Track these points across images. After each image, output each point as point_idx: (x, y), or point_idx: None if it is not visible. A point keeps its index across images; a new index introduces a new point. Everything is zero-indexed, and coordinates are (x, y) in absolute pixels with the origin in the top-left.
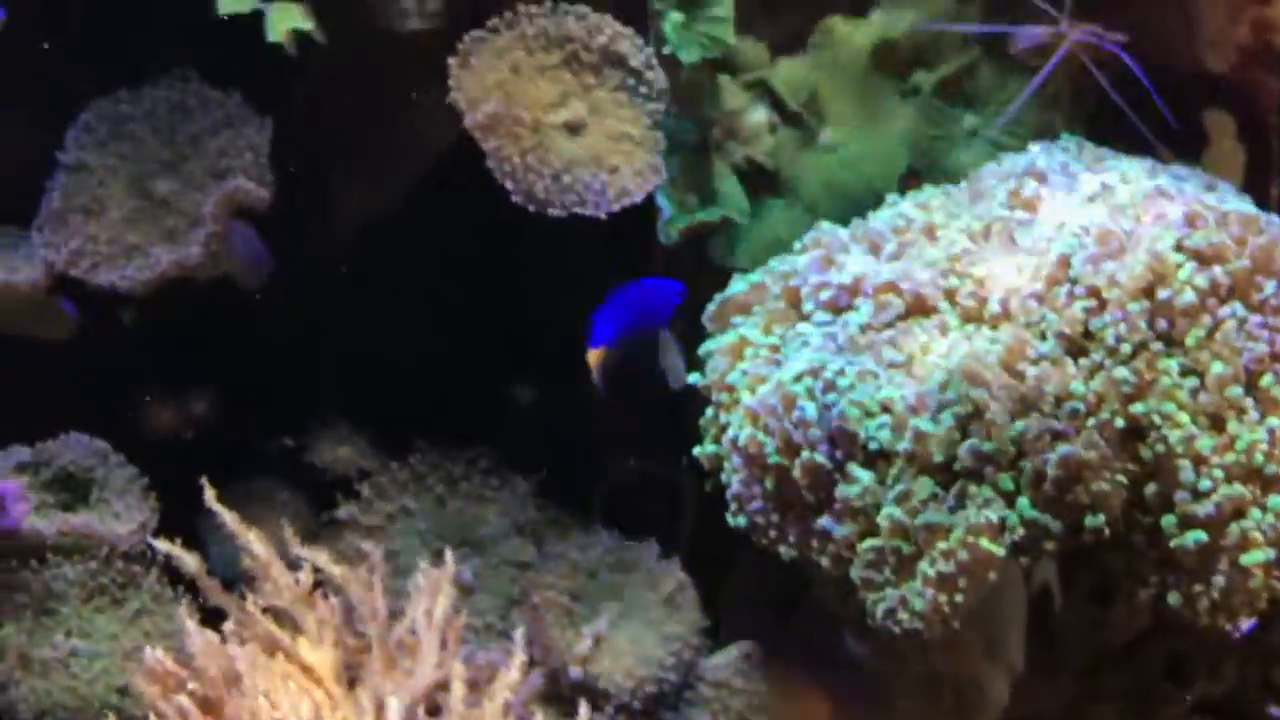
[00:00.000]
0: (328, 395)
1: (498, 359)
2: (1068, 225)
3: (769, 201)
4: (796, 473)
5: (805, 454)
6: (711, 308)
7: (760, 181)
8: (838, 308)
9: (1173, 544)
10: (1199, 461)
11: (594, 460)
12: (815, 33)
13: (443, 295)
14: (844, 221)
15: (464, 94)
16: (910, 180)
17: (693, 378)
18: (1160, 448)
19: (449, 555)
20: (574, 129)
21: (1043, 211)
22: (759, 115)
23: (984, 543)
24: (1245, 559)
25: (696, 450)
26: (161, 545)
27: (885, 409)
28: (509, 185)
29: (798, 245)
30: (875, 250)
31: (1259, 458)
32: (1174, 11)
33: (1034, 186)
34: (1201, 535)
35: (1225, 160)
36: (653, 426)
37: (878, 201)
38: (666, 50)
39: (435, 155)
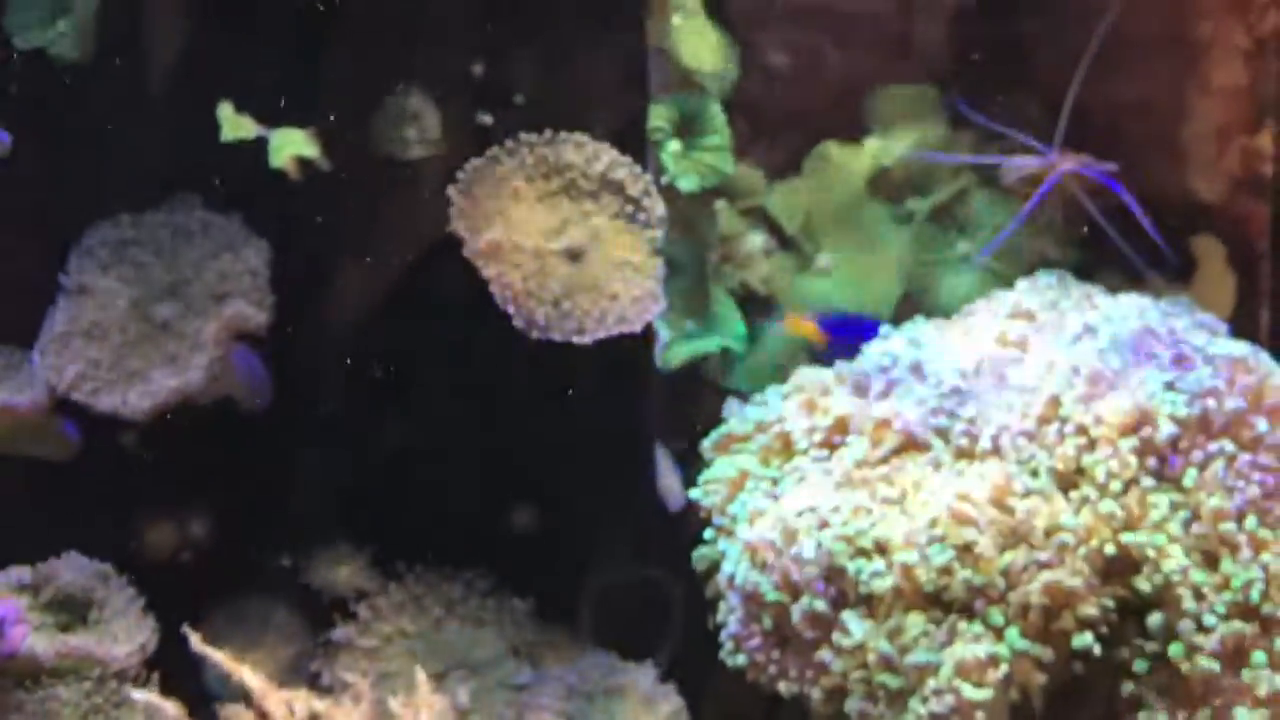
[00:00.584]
0: (326, 515)
1: (497, 480)
2: (1058, 365)
3: (765, 325)
4: (795, 617)
5: (805, 599)
6: (711, 441)
7: (757, 304)
8: (832, 444)
9: (1183, 670)
10: (1198, 595)
11: (587, 574)
12: (810, 158)
13: (442, 416)
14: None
15: (465, 222)
16: (904, 305)
17: (693, 493)
18: (1158, 578)
19: (421, 677)
20: (574, 256)
21: (1032, 350)
22: (755, 240)
23: (969, 687)
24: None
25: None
26: (139, 695)
27: (879, 546)
28: (510, 311)
29: (781, 391)
30: (861, 391)
31: (1255, 596)
32: (1163, 141)
33: (1023, 326)
34: (1210, 664)
35: (1215, 287)
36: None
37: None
38: (665, 178)
39: (437, 277)
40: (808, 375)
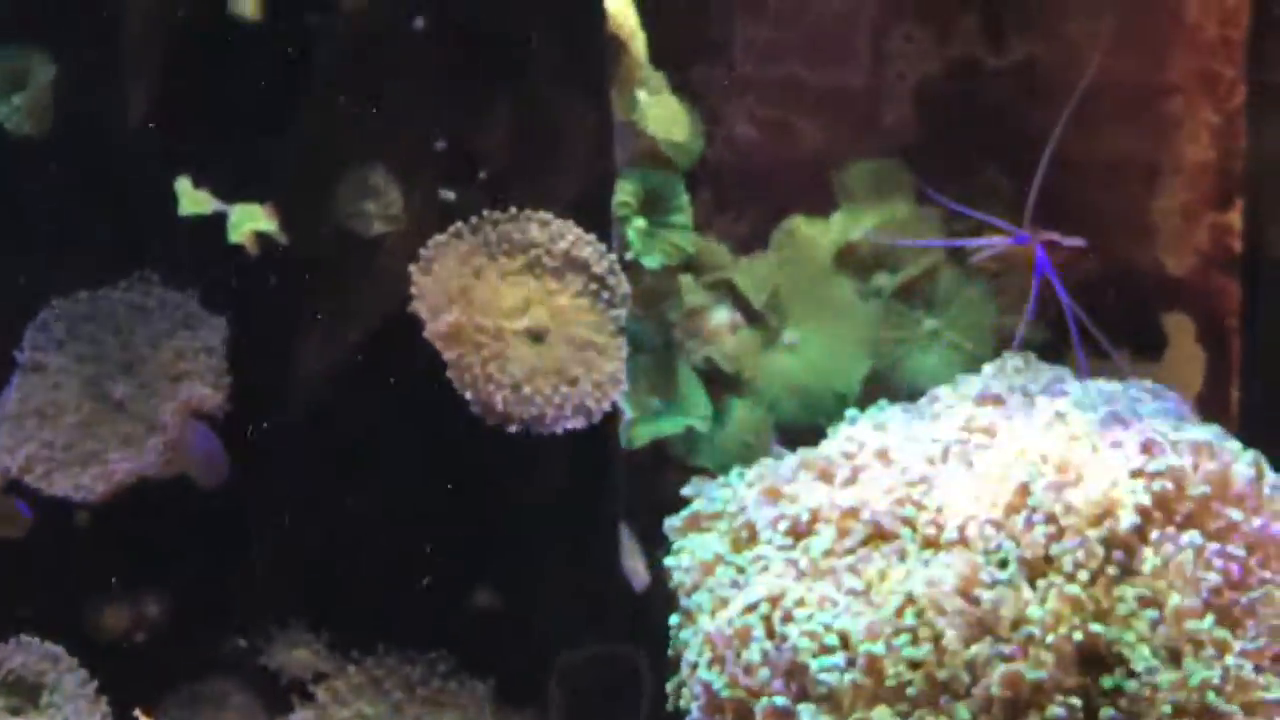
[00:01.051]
0: (285, 596)
1: (458, 560)
2: (1027, 452)
3: (731, 401)
4: (758, 716)
5: (765, 700)
6: (677, 521)
7: (722, 380)
8: (797, 533)
9: None
10: (1161, 695)
11: (551, 655)
12: (777, 232)
13: (402, 495)
14: (807, 422)
15: (425, 302)
16: (870, 383)
17: (667, 561)
18: (1120, 675)
19: None
20: (536, 336)
21: (1000, 436)
22: (721, 315)
23: None
24: None
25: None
26: None
27: (843, 640)
28: (468, 397)
29: (745, 478)
30: (827, 478)
31: (1211, 696)
32: (1133, 215)
33: (990, 412)
34: None
35: (1185, 363)
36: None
37: (839, 403)
38: (630, 255)
39: (398, 355)
40: (769, 465)
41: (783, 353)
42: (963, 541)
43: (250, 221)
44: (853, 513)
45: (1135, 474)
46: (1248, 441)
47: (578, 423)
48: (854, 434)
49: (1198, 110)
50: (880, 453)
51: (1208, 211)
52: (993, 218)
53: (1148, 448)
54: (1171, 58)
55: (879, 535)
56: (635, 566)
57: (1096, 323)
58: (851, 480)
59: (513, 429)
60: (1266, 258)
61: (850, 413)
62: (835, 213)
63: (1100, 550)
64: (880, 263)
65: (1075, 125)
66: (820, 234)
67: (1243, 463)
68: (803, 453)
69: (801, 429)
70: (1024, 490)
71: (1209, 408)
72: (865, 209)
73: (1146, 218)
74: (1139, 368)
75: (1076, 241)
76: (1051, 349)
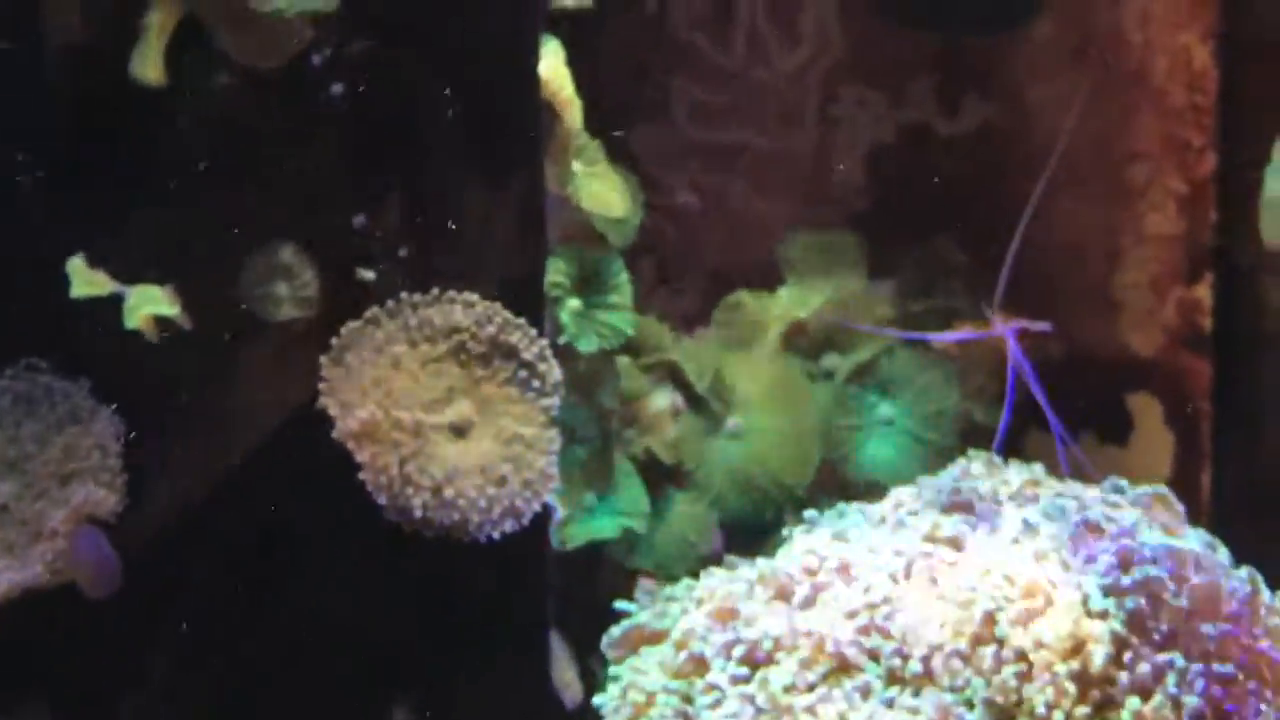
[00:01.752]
0: (181, 711)
1: (374, 675)
2: (993, 572)
3: (672, 494)
4: None
5: None
6: (613, 638)
7: (662, 471)
8: (754, 661)
9: None
10: None
11: None
12: (720, 308)
13: (313, 606)
14: (754, 517)
15: (337, 397)
16: (823, 472)
17: (596, 701)
18: None
19: None
20: (460, 431)
21: (967, 550)
22: (661, 400)
23: None
24: None
25: None
26: None
27: None
28: (383, 501)
29: (694, 592)
30: (784, 596)
31: None
32: (1095, 291)
33: (956, 522)
34: None
35: (1152, 448)
36: None
37: (789, 496)
38: (563, 339)
39: (309, 453)
40: (721, 579)
41: (727, 441)
42: (928, 675)
43: (149, 304)
44: (816, 644)
45: (1109, 590)
46: (1218, 531)
47: (506, 526)
48: (813, 545)
49: (1164, 179)
50: (842, 568)
51: (1175, 286)
52: (960, 304)
53: (1124, 561)
54: (1136, 124)
55: (843, 669)
56: (567, 680)
57: (1058, 406)
58: (811, 600)
59: (431, 535)
60: (1238, 335)
61: (809, 514)
62: (782, 287)
63: (1072, 688)
64: (831, 342)
65: (1031, 194)
66: (766, 310)
67: (1234, 579)
68: (759, 566)
69: (748, 524)
70: (990, 620)
71: (1177, 494)
72: (814, 283)
73: (1110, 293)
74: (1103, 453)
75: (1043, 326)
76: (1012, 434)
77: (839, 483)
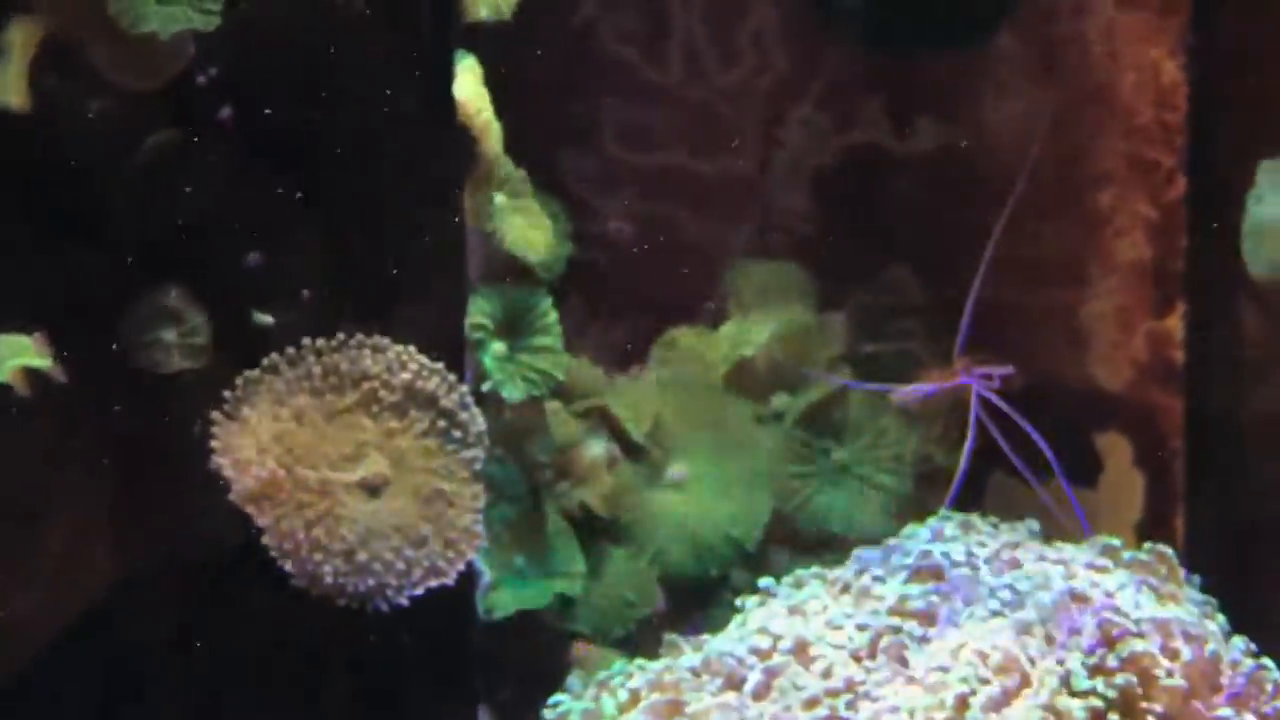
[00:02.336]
0: None
1: None
2: (966, 648)
3: (610, 551)
4: None
5: None
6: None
7: (599, 526)
8: None
9: None
10: None
11: None
12: (659, 345)
13: (206, 686)
14: (698, 577)
15: (232, 456)
16: (775, 522)
17: None
18: None
19: None
20: (373, 490)
21: (940, 625)
22: (595, 449)
23: None
24: None
25: None
26: None
27: None
28: (289, 568)
29: (629, 683)
30: (734, 684)
31: None
32: (1059, 323)
33: (927, 593)
34: None
35: (1122, 489)
36: None
37: (738, 551)
38: (486, 386)
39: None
40: (654, 670)
41: (668, 492)
42: None
43: (18, 356)
44: None
45: (1095, 670)
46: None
47: (427, 587)
48: (765, 622)
49: (1131, 203)
50: (799, 648)
51: (1144, 318)
52: (917, 340)
53: (1109, 637)
54: (1100, 144)
55: None
56: None
57: (1021, 446)
58: (765, 688)
59: (344, 603)
60: (1211, 369)
61: (763, 583)
62: (725, 323)
63: None
64: (779, 381)
65: (992, 221)
66: (709, 347)
67: (1234, 650)
68: (706, 650)
69: (692, 582)
70: (963, 704)
71: (1149, 538)
72: (760, 318)
73: (1075, 325)
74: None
75: (1005, 370)
76: (975, 478)
77: (790, 535)
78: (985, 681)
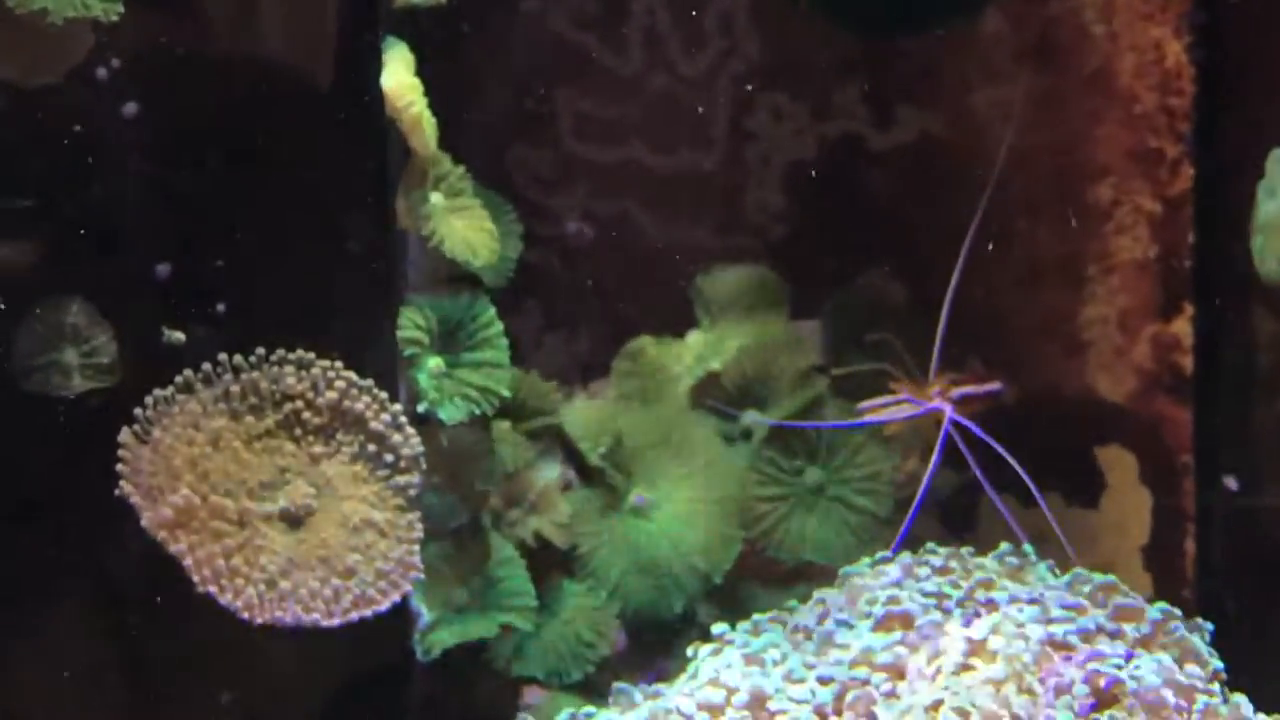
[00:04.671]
0: None
1: None
2: (944, 708)
3: (564, 585)
4: None
5: None
6: None
7: (553, 557)
8: None
9: None
10: None
11: None
12: (620, 357)
13: None
14: (662, 611)
15: (142, 482)
16: (744, 550)
17: None
18: None
19: None
20: (295, 521)
21: (910, 674)
22: (549, 472)
23: None
24: None
25: None
26: None
27: None
28: (212, 590)
29: None
30: None
31: None
32: (1057, 328)
33: (895, 642)
34: None
35: (1127, 508)
36: None
37: (704, 584)
38: (422, 407)
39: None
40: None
41: (629, 519)
42: None
43: None
44: None
45: None
46: (1204, 606)
47: (360, 613)
48: (718, 673)
49: (1133, 196)
50: (756, 700)
51: (1149, 322)
52: (898, 348)
53: (1101, 694)
54: (1098, 133)
55: None
56: None
57: (1013, 466)
58: None
59: (282, 620)
60: (1223, 377)
61: (717, 629)
62: (691, 331)
63: None
64: (748, 395)
65: (983, 218)
66: (673, 358)
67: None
68: (650, 707)
69: (655, 619)
70: None
71: (1157, 564)
72: (728, 326)
73: (1073, 330)
74: (1071, 516)
75: (992, 387)
76: (964, 495)
77: (761, 565)
78: None
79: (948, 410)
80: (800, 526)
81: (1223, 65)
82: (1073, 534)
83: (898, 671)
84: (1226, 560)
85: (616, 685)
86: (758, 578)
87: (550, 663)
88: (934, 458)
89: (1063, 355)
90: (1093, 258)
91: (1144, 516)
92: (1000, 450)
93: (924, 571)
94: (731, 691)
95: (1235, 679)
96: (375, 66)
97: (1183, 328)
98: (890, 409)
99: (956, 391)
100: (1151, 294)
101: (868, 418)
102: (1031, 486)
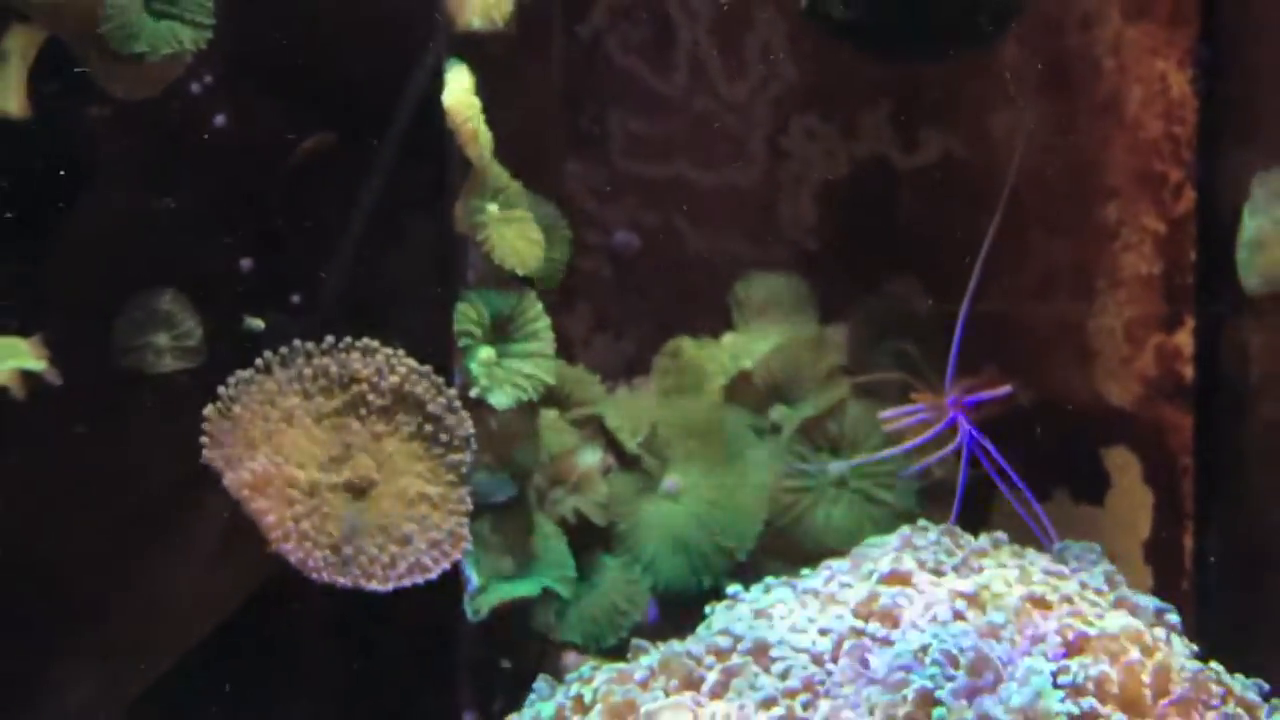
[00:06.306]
0: None
1: None
2: (933, 649)
3: (602, 559)
4: None
5: None
6: None
7: (592, 534)
8: None
9: None
10: None
11: None
12: (660, 356)
13: (206, 680)
14: (691, 584)
15: (223, 450)
16: (773, 537)
17: None
18: None
19: None
20: (359, 491)
21: (904, 626)
22: (591, 457)
23: None
24: None
25: None
26: None
27: None
28: (285, 549)
29: (588, 687)
30: (692, 683)
31: None
32: (1066, 337)
33: (893, 594)
34: None
35: (1130, 507)
36: None
37: (730, 562)
38: (474, 392)
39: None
40: (619, 669)
41: (663, 502)
42: None
43: (13, 358)
44: None
45: (1055, 677)
46: (1202, 597)
47: (414, 579)
48: (728, 624)
49: (1139, 216)
50: (758, 649)
51: (1153, 332)
52: (920, 353)
53: (1071, 642)
54: (1108, 157)
55: None
56: None
57: (1028, 462)
58: (722, 687)
59: (339, 582)
60: (1221, 385)
61: (732, 589)
62: (727, 333)
63: None
64: (779, 392)
65: (999, 234)
66: (709, 358)
67: (1179, 657)
68: (663, 651)
69: (684, 591)
70: (926, 700)
71: (1157, 558)
72: (761, 328)
73: (1083, 340)
74: (1078, 512)
75: (1003, 391)
76: (976, 491)
77: (787, 549)
78: (951, 679)
79: (963, 422)
80: (824, 515)
81: (1223, 97)
82: (1080, 529)
83: (893, 620)
84: (1221, 555)
85: (634, 641)
86: (780, 558)
87: (587, 629)
88: (960, 470)
89: (1073, 363)
90: (1102, 273)
91: (1146, 514)
92: (999, 460)
93: (922, 542)
94: (737, 639)
95: (1226, 666)
96: (438, 85)
97: (1184, 339)
98: (909, 419)
99: (970, 397)
100: (1156, 307)
101: (888, 428)
102: (1026, 492)
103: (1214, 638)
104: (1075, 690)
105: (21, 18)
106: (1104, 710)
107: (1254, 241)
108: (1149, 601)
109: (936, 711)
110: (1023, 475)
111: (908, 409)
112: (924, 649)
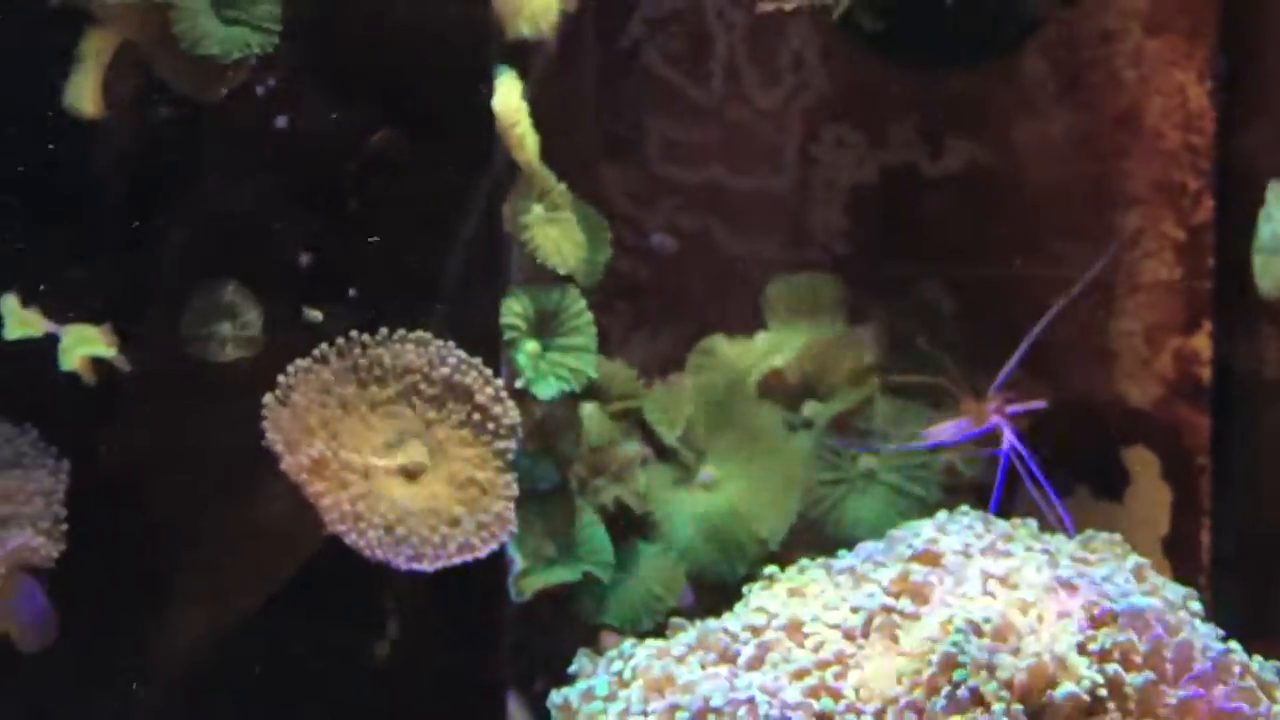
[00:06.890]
0: None
1: None
2: (956, 618)
3: (640, 546)
4: None
5: None
6: (556, 704)
7: (630, 522)
8: None
9: None
10: None
11: None
12: (695, 353)
13: (258, 645)
14: (725, 571)
15: (283, 435)
16: (805, 528)
17: None
18: None
19: None
20: (411, 475)
21: (933, 601)
22: (630, 449)
23: None
24: None
25: None
26: None
27: None
28: (340, 530)
29: (634, 660)
30: (727, 658)
31: None
32: (1089, 341)
33: (924, 572)
34: None
35: (1149, 504)
36: None
37: (762, 550)
38: (520, 383)
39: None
40: (658, 645)
41: (699, 492)
42: None
43: (85, 345)
44: (754, 710)
45: (1080, 648)
46: (1217, 590)
47: (463, 558)
48: (764, 602)
49: (1159, 224)
50: (792, 625)
51: (1172, 336)
52: (946, 356)
53: (1093, 616)
54: (1128, 167)
55: None
56: None
57: (1050, 460)
58: (758, 661)
59: (391, 562)
60: (1237, 387)
61: (769, 570)
62: (760, 332)
63: None
64: (810, 389)
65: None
66: (743, 355)
67: (1201, 636)
68: (700, 627)
69: (719, 578)
70: (949, 664)
71: (1175, 552)
72: (793, 327)
73: (1104, 343)
74: (1099, 508)
75: (1038, 404)
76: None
77: (819, 541)
78: (971, 644)
79: (1006, 430)
80: (855, 507)
81: (1240, 108)
82: (1100, 525)
83: (924, 597)
84: (1236, 549)
85: (672, 620)
86: (812, 548)
87: (625, 613)
88: (998, 477)
89: (1095, 365)
90: (1122, 279)
91: (1164, 510)
92: (1035, 469)
93: (954, 527)
94: (772, 616)
95: None
96: (488, 90)
97: (1202, 342)
98: (950, 429)
99: (1012, 408)
100: (1175, 312)
101: (931, 441)
102: (1050, 491)
103: (1230, 629)
104: (1100, 655)
105: (95, 22)
106: (1127, 676)
107: (1267, 246)
108: (1176, 591)
109: (958, 673)
110: (1045, 472)
111: (950, 426)
112: (950, 618)
